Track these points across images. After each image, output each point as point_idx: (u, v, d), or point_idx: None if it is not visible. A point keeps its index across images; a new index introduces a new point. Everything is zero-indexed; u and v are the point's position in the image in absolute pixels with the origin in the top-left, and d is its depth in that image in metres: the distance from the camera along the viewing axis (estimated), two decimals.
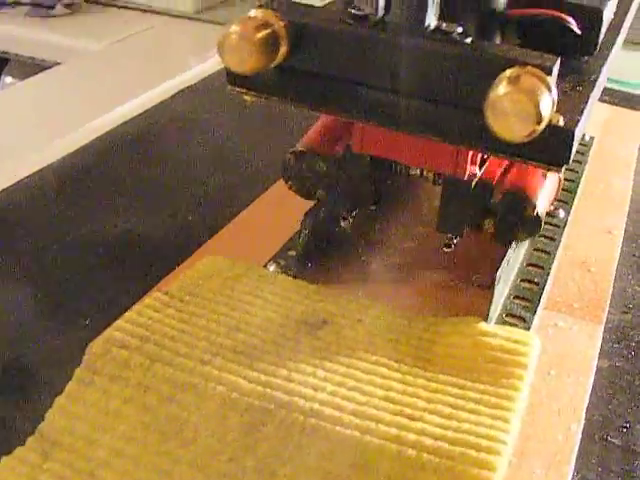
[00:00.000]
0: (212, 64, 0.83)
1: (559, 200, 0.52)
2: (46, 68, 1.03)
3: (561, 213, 0.53)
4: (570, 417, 0.38)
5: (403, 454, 0.34)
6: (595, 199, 0.57)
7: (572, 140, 0.33)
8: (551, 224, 0.52)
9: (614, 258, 0.50)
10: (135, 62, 1.19)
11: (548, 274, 0.47)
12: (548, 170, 0.34)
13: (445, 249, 0.43)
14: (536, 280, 0.46)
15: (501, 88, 0.31)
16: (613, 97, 0.75)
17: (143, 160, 0.61)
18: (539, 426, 0.37)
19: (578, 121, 0.34)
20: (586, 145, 0.63)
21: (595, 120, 0.68)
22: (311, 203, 0.45)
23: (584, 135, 0.63)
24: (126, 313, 0.40)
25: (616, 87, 0.76)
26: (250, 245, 0.48)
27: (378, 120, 0.36)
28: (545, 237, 0.50)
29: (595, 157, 0.62)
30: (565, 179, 0.53)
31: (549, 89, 0.31)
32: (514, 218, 0.41)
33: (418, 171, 0.43)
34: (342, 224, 0.44)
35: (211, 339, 0.39)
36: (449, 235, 0.42)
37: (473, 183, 0.41)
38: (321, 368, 0.38)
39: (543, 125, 0.31)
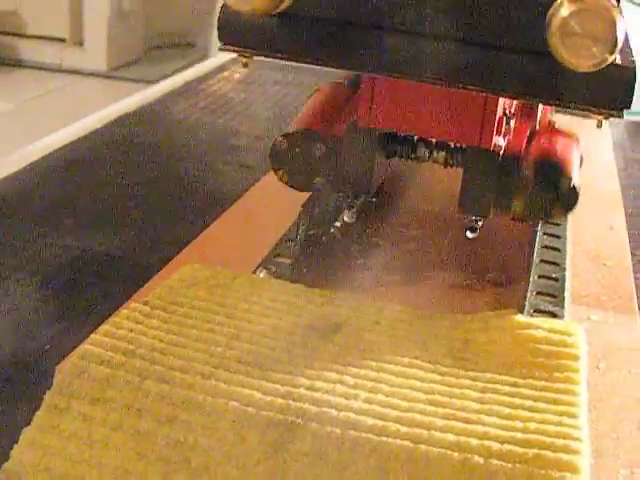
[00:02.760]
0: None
1: None
2: None
3: None
4: (637, 411, 0.33)
5: (469, 462, 0.28)
6: (588, 199, 0.53)
7: (634, 79, 0.29)
8: (552, 223, 0.48)
9: (626, 252, 0.46)
10: (47, 120, 1.13)
11: (564, 269, 0.42)
12: (607, 117, 0.30)
13: (469, 234, 0.37)
14: (554, 276, 0.42)
15: (569, 6, 0.26)
16: None
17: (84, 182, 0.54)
18: (607, 422, 0.32)
19: (634, 61, 0.30)
20: None
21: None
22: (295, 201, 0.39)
23: None
24: (101, 326, 0.33)
25: None
26: (227, 255, 0.42)
27: (402, 71, 0.30)
28: (550, 235, 0.46)
29: None
30: None
31: (621, 14, 0.27)
32: (548, 190, 0.36)
33: (426, 153, 0.38)
34: (345, 217, 0.38)
35: (209, 350, 0.32)
36: (472, 218, 0.37)
37: (499, 157, 0.36)
38: (347, 374, 0.32)
39: (614, 55, 0.27)
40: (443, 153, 0.38)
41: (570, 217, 0.49)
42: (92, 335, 0.32)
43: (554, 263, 0.43)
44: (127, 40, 1.71)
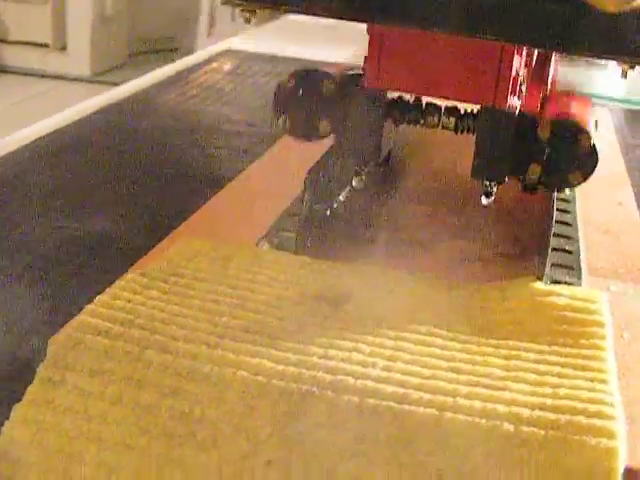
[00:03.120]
0: None
1: None
2: None
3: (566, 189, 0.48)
4: None
5: (498, 430, 0.26)
6: (594, 177, 0.52)
7: None
8: (559, 199, 0.46)
9: (639, 225, 0.45)
10: (32, 122, 1.11)
11: (578, 242, 0.41)
12: (632, 66, 0.28)
13: (484, 199, 0.35)
14: (568, 248, 0.40)
15: None
16: None
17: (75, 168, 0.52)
18: (638, 390, 0.30)
19: None
20: None
21: None
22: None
23: None
24: (98, 297, 0.31)
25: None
26: (225, 231, 0.40)
27: (417, 21, 0.29)
28: (559, 210, 0.44)
29: None
30: None
31: None
32: (568, 151, 0.34)
33: (436, 118, 0.36)
34: (354, 182, 0.36)
35: (214, 320, 0.30)
36: (487, 183, 0.35)
37: (514, 117, 0.34)
38: (363, 343, 0.30)
39: None
40: (453, 118, 0.36)
41: (578, 194, 0.48)
42: (87, 306, 0.30)
43: (566, 237, 0.41)
44: (110, 45, 1.69)
